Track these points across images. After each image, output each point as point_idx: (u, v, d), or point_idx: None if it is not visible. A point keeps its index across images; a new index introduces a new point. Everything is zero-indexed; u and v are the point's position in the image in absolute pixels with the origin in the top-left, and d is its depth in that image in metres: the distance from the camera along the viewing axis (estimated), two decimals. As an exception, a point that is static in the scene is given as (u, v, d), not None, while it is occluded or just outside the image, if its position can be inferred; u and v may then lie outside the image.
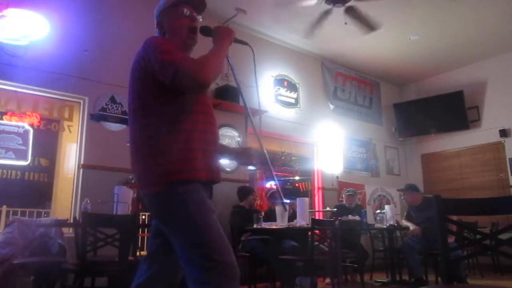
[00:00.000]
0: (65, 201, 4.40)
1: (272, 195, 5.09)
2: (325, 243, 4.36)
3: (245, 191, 4.91)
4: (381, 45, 6.51)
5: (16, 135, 4.23)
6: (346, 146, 6.96)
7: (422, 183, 7.59)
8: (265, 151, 1.77)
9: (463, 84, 7.21)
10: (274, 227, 4.12)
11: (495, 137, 6.85)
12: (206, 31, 1.70)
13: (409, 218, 5.03)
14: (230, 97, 5.28)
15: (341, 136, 6.84)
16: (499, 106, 6.89)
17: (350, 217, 4.82)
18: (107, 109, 4.54)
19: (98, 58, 4.53)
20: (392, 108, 7.87)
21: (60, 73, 4.24)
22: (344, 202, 5.63)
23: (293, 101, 6.40)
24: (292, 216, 4.37)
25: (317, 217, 5.22)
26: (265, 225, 4.18)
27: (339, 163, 6.70)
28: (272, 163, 1.86)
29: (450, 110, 7.15)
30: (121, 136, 4.42)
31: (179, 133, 1.53)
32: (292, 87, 6.44)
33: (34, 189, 4.73)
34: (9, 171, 4.55)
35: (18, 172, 4.60)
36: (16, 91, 4.19)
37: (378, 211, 5.88)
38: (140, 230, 4.35)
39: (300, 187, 6.90)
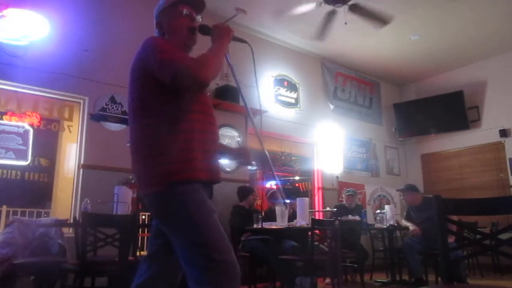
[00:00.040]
0: (65, 201, 4.40)
1: (272, 195, 5.09)
2: (325, 243, 4.36)
3: (245, 191, 4.91)
4: (381, 45, 6.51)
5: (16, 135, 4.23)
6: (346, 146, 6.96)
7: (422, 183, 7.59)
8: (266, 151, 1.77)
9: (463, 84, 7.21)
10: (274, 227, 4.12)
11: (495, 137, 6.85)
12: (204, 30, 1.70)
13: (409, 218, 5.03)
14: (230, 97, 5.28)
15: (341, 136, 6.84)
16: (499, 106, 6.89)
17: (350, 217, 4.82)
18: (107, 109, 4.54)
19: (98, 58, 4.53)
20: (392, 108, 7.87)
21: (60, 73, 4.24)
22: (344, 202, 5.63)
23: (293, 101, 6.40)
24: (292, 216, 4.37)
25: (317, 217, 5.22)
26: (265, 225, 4.18)
27: (339, 163, 6.70)
28: (273, 163, 1.86)
29: (450, 110, 7.15)
30: (121, 136, 4.43)
31: (179, 133, 1.53)
32: (292, 87, 6.44)
33: (34, 189, 4.72)
34: (9, 171, 4.55)
35: (18, 172, 4.60)
36: (16, 91, 4.19)
37: (378, 211, 5.88)
38: (140, 230, 4.35)
39: (300, 187, 6.89)
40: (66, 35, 4.36)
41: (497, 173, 6.86)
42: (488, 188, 6.82)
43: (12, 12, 3.93)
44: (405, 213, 5.31)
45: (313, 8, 4.79)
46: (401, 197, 6.24)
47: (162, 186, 1.48)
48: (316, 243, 4.09)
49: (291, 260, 4.01)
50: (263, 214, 4.75)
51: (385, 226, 5.04)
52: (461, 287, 2.32)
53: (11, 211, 4.34)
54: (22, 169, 4.57)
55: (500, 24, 5.93)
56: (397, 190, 5.70)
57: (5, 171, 4.51)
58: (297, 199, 4.42)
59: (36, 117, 4.32)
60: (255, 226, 4.21)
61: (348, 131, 7.02)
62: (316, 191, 6.52)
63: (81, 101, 4.50)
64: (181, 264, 1.49)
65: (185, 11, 1.68)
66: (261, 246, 4.32)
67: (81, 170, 4.27)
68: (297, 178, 6.71)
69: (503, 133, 6.77)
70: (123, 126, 4.54)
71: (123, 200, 3.44)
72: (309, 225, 3.77)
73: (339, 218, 4.46)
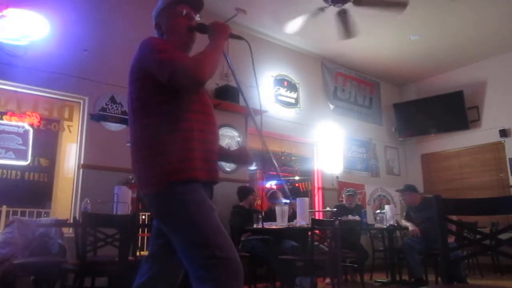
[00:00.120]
0: (65, 201, 4.40)
1: (272, 195, 5.09)
2: (325, 243, 4.36)
3: (245, 191, 4.91)
4: (381, 45, 6.51)
5: (16, 135, 4.23)
6: (346, 146, 6.96)
7: (422, 183, 7.60)
8: (270, 152, 1.77)
9: (463, 84, 7.21)
10: (274, 227, 4.12)
11: (495, 137, 6.85)
12: (202, 28, 1.70)
13: (408, 218, 5.03)
14: (230, 97, 5.28)
15: (341, 136, 6.84)
16: (499, 106, 6.89)
17: (350, 217, 4.82)
18: (107, 109, 4.54)
19: (98, 58, 4.53)
20: (392, 108, 7.87)
21: (60, 73, 4.24)
22: (344, 202, 5.63)
23: (293, 101, 6.40)
24: (292, 216, 4.37)
25: (317, 217, 5.22)
26: (265, 225, 4.18)
27: (339, 163, 6.70)
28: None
29: (450, 110, 7.15)
30: (121, 136, 4.43)
31: (178, 133, 1.53)
32: (292, 87, 6.44)
33: (34, 189, 4.72)
34: (9, 171, 4.55)
35: (18, 172, 4.60)
36: (16, 91, 4.19)
37: (378, 211, 5.88)
38: (140, 230, 4.35)
39: (300, 187, 6.90)
40: (66, 35, 4.36)
41: (497, 173, 6.86)
42: (488, 188, 6.82)
43: (12, 12, 3.93)
44: (404, 213, 5.31)
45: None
46: (401, 198, 6.24)
47: (162, 186, 1.48)
48: (316, 243, 4.09)
49: (291, 260, 4.01)
50: (263, 214, 4.75)
51: (385, 226, 5.04)
52: (461, 287, 2.32)
53: (11, 211, 4.34)
54: (22, 169, 4.57)
55: (500, 24, 5.93)
56: (396, 191, 5.70)
57: (5, 171, 4.52)
58: (297, 199, 4.42)
59: (36, 117, 4.32)
60: (255, 226, 4.21)
61: (348, 131, 7.02)
62: (316, 191, 6.52)
63: (81, 101, 4.50)
64: (183, 264, 1.49)
65: (184, 11, 1.69)
66: (261, 246, 4.32)
67: (81, 170, 4.27)
68: (297, 178, 6.71)
69: (503, 133, 6.77)
70: (123, 126, 4.54)
71: (123, 200, 3.44)
72: (309, 225, 3.77)
73: (339, 218, 4.46)
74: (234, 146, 5.28)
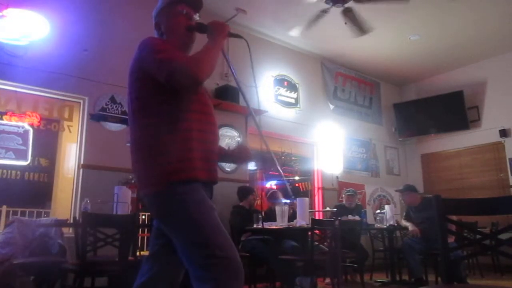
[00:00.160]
0: (65, 201, 4.40)
1: (272, 195, 5.09)
2: (325, 243, 4.36)
3: (245, 191, 4.91)
4: (381, 45, 6.51)
5: (16, 135, 4.23)
6: (346, 146, 6.96)
7: (422, 183, 7.60)
8: (271, 152, 1.77)
9: (463, 84, 7.21)
10: (274, 227, 4.12)
11: (495, 137, 6.85)
12: (201, 27, 1.70)
13: (408, 218, 5.03)
14: (230, 97, 5.28)
15: (341, 136, 6.84)
16: (499, 106, 6.89)
17: (350, 217, 4.82)
18: (107, 109, 4.54)
19: (98, 58, 4.53)
20: (392, 108, 7.87)
21: (60, 73, 4.24)
22: (344, 202, 5.64)
23: (293, 101, 6.40)
24: (292, 216, 4.37)
25: (317, 217, 5.22)
26: (265, 225, 4.18)
27: (339, 163, 6.70)
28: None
29: (450, 110, 7.15)
30: (121, 136, 4.43)
31: (178, 133, 1.53)
32: (292, 87, 6.44)
33: (34, 189, 4.72)
34: (9, 171, 4.55)
35: (18, 172, 4.60)
36: (16, 91, 4.19)
37: (378, 211, 5.88)
38: (140, 230, 4.35)
39: (300, 187, 6.89)
40: (65, 35, 4.36)
41: (497, 173, 6.86)
42: (488, 188, 6.82)
43: (12, 12, 3.93)
44: (404, 213, 5.31)
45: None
46: (401, 198, 6.24)
47: (162, 186, 1.48)
48: (316, 243, 4.09)
49: (291, 260, 4.02)
50: (263, 214, 4.75)
51: (385, 226, 5.04)
52: (461, 287, 2.32)
53: (11, 211, 4.34)
54: (22, 169, 4.57)
55: (500, 24, 5.92)
56: (396, 191, 5.70)
57: (5, 171, 4.52)
58: (297, 199, 4.42)
59: (36, 117, 4.32)
60: (255, 226, 4.21)
61: (348, 131, 7.02)
62: (316, 191, 6.52)
63: (81, 101, 4.50)
64: (183, 263, 1.49)
65: (183, 10, 1.69)
66: (261, 246, 4.32)
67: (81, 170, 4.27)
68: (297, 178, 6.71)
69: (503, 133, 6.77)
70: (123, 126, 4.54)
71: (123, 200, 3.44)
72: (309, 225, 3.77)
73: (339, 218, 4.46)
74: (234, 146, 5.27)
